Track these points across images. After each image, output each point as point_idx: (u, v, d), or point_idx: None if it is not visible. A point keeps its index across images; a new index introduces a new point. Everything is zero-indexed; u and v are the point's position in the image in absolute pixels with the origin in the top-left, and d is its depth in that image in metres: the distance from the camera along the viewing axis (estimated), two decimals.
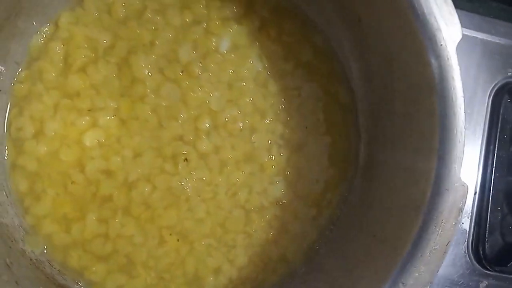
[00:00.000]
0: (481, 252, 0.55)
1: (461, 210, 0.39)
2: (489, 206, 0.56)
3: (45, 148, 0.44)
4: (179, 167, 0.47)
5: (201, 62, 0.46)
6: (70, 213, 0.46)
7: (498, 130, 0.56)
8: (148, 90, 0.45)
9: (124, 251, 0.47)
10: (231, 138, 0.49)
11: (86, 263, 0.47)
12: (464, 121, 0.40)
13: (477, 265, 0.55)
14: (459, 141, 0.39)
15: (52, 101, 0.44)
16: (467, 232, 0.53)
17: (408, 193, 0.42)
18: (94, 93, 0.44)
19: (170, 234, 0.48)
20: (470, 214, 0.53)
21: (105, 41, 0.44)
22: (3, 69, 0.42)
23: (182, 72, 0.46)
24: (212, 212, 0.49)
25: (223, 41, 0.47)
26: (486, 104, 0.54)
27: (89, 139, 0.45)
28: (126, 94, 0.45)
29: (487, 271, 0.56)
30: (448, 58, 0.38)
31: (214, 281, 0.50)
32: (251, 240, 0.51)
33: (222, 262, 0.50)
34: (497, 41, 0.56)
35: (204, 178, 0.48)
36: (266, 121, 0.50)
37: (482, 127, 0.55)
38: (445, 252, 0.39)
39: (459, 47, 0.38)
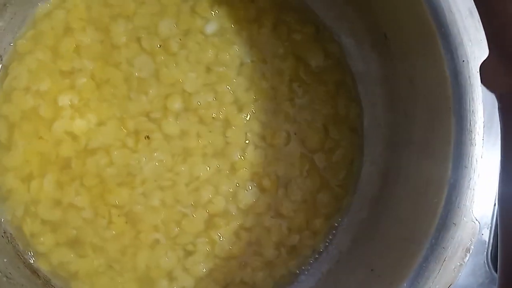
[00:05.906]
0: None
1: (468, 250, 0.33)
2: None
3: (31, 102, 0.46)
4: (139, 144, 0.44)
5: (180, 39, 0.44)
6: (34, 170, 0.46)
7: None
8: (123, 58, 0.44)
9: (73, 224, 0.45)
10: (200, 125, 0.45)
11: (36, 229, 0.46)
12: (482, 149, 0.33)
13: (496, 274, 0.51)
14: (474, 171, 0.33)
15: (46, 60, 0.46)
16: (487, 242, 0.52)
17: (413, 226, 0.37)
18: (76, 56, 0.45)
19: (119, 215, 0.44)
20: (490, 224, 0.52)
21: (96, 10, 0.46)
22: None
23: (159, 45, 0.44)
24: (168, 204, 0.45)
25: (210, 22, 0.45)
26: None
27: (62, 99, 0.45)
28: (103, 58, 0.45)
29: None
30: (469, 77, 0.33)
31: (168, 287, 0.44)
32: (213, 249, 0.45)
33: (175, 266, 0.45)
34: None
35: (164, 161, 0.44)
36: (244, 116, 0.44)
37: None
38: None
39: None
